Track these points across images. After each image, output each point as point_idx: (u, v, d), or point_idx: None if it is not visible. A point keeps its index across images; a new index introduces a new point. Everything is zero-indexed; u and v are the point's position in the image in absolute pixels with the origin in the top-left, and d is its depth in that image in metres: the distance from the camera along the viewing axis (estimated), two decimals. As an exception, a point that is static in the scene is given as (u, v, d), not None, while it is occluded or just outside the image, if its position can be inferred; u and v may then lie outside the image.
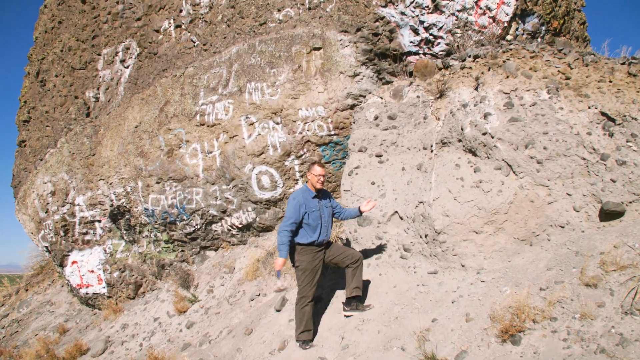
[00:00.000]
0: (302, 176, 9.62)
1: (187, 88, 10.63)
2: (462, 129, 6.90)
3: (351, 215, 7.08)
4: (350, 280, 6.70)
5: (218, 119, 9.99)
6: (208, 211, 10.30)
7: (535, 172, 6.37)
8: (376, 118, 8.13)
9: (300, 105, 9.30)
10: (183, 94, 10.64)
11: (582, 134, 6.31)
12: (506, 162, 6.50)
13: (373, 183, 7.79)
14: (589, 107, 6.51)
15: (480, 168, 6.63)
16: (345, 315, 6.71)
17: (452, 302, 6.00)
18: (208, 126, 10.13)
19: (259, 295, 8.32)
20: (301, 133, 9.35)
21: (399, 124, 7.98)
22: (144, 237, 11.37)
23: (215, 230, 10.57)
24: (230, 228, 10.37)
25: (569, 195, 6.23)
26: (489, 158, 6.62)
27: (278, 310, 7.54)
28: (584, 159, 6.19)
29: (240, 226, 10.21)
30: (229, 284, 9.08)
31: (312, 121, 9.28)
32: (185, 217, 10.48)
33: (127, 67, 12.35)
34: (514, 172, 6.48)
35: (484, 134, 6.65)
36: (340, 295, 7.20)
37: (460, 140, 6.95)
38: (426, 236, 6.79)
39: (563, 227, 6.18)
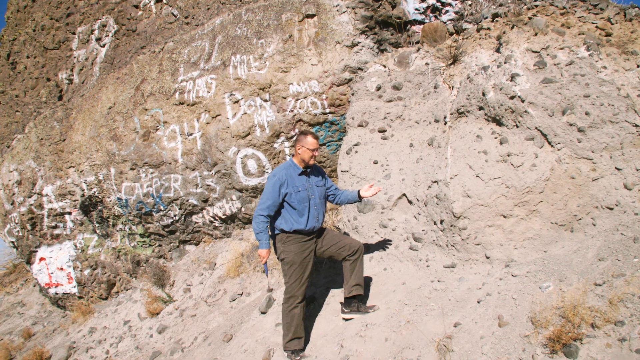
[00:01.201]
0: (293, 160, 8.28)
1: (165, 64, 9.30)
2: (483, 94, 5.59)
3: (348, 199, 5.71)
4: (348, 276, 5.37)
5: (199, 96, 8.68)
6: (188, 200, 8.95)
7: (575, 143, 5.07)
8: (379, 88, 6.82)
9: (291, 80, 8.01)
10: (161, 70, 9.31)
11: (632, 96, 5.03)
12: (540, 130, 5.19)
13: (376, 162, 6.47)
14: (638, 66, 5.23)
15: (507, 139, 5.32)
16: (344, 319, 5.38)
17: (478, 302, 4.69)
18: (188, 105, 8.81)
19: (241, 294, 6.98)
20: (292, 111, 8.05)
21: (405, 95, 6.67)
22: (117, 231, 10.01)
23: (196, 222, 9.22)
24: (212, 219, 9.02)
25: (618, 170, 4.94)
26: (517, 127, 5.31)
27: (263, 313, 6.20)
28: (636, 125, 4.91)
29: (223, 217, 8.87)
30: (208, 281, 7.72)
31: (305, 98, 8.00)
32: (162, 207, 9.13)
33: (104, 46, 11.01)
34: (549, 143, 5.17)
35: (512, 97, 5.34)
36: (338, 295, 5.87)
37: (481, 108, 5.64)
38: (442, 222, 5.47)
39: (612, 209, 4.88)
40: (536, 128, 5.21)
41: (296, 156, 5.31)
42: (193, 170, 8.85)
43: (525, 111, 5.25)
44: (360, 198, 5.62)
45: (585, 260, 4.55)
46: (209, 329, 6.60)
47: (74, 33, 11.47)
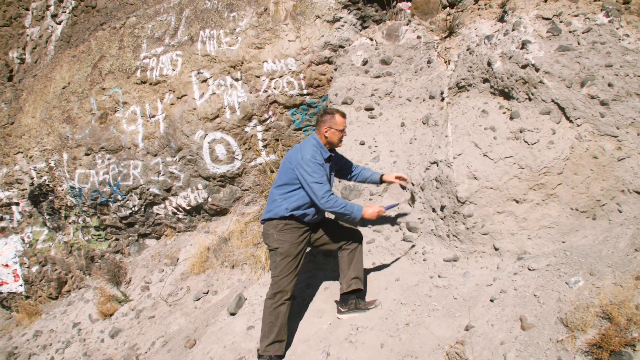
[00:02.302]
0: (265, 146, 7.37)
1: (127, 40, 8.26)
2: (489, 65, 4.79)
3: (367, 179, 4.92)
4: (346, 268, 4.51)
5: (163, 75, 7.67)
6: (148, 189, 7.91)
7: (597, 118, 4.30)
8: (365, 63, 5.96)
9: (265, 57, 7.10)
10: (122, 47, 8.26)
11: (661, 66, 4.29)
12: (557, 103, 4.41)
13: (362, 143, 5.59)
14: (663, 35, 4.51)
15: (519, 113, 4.52)
16: (339, 318, 4.50)
17: (492, 301, 3.86)
18: (151, 84, 7.78)
19: (207, 293, 6.00)
20: (266, 91, 7.13)
21: (395, 71, 5.83)
22: (70, 223, 8.88)
23: (158, 214, 8.18)
24: (175, 210, 8.00)
25: (647, 149, 4.19)
26: (530, 99, 4.51)
27: (232, 314, 5.25)
28: (667, 99, 4.17)
29: (188, 208, 7.86)
30: (169, 279, 6.71)
31: (281, 77, 7.09)
32: (120, 197, 8.06)
33: (60, 23, 9.88)
34: (567, 118, 4.39)
35: (524, 66, 4.54)
36: (321, 292, 4.98)
37: (485, 80, 4.84)
38: (442, 209, 4.62)
39: (640, 194, 4.13)
40: (552, 101, 4.42)
41: (322, 136, 4.44)
42: (155, 156, 7.83)
43: (540, 81, 4.45)
44: (381, 181, 4.87)
45: (617, 251, 3.76)
46: (169, 332, 5.61)
47: (27, 9, 10.29)
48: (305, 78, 7.01)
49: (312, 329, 4.51)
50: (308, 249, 4.68)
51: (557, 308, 3.47)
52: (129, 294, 6.97)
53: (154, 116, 7.78)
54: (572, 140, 4.30)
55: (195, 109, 7.42)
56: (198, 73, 7.43)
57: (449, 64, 5.46)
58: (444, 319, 3.90)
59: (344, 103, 5.93)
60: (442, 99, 5.20)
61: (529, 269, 3.99)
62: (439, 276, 4.42)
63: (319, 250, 4.95)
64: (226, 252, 6.30)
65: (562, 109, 4.39)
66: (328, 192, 4.16)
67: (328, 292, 4.95)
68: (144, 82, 7.83)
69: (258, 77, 7.16)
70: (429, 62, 5.63)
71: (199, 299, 5.94)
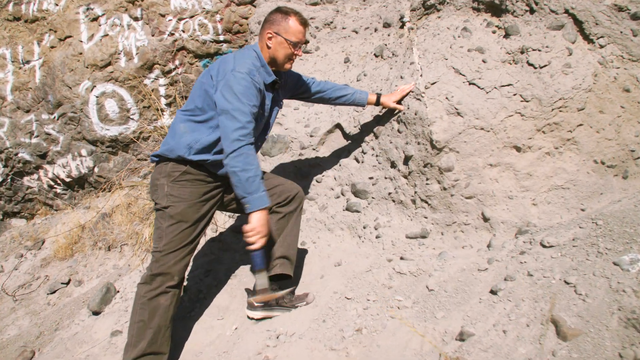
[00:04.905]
0: (169, 104, 5.51)
1: (-1, -32, 6.12)
2: (470, -29, 3.22)
3: (341, 96, 3.11)
4: (272, 242, 2.77)
5: (43, 10, 5.63)
6: (17, 154, 5.78)
7: (628, 37, 2.82)
8: (299, -13, 4.27)
9: (174, -9, 5.28)
10: (-8, -25, 6.11)
11: None
12: (572, 15, 2.88)
13: (293, 83, 3.87)
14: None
15: (517, 28, 2.96)
16: (252, 318, 2.72)
17: (494, 293, 2.23)
18: (27, 21, 5.71)
19: (67, 283, 4.03)
20: (173, 35, 5.30)
21: (338, -2, 4.17)
22: None
23: (30, 187, 6.03)
24: (52, 183, 5.91)
25: (694, 82, 2.76)
26: (532, 11, 2.97)
27: (96, 313, 3.36)
28: None
29: (68, 180, 5.81)
30: (25, 265, 4.63)
31: (192, 17, 5.31)
32: (-23, 164, 5.87)
33: None
34: (585, 37, 2.88)
35: (525, -34, 3.00)
36: (227, 282, 3.17)
37: (465, -7, 3.26)
38: (407, 161, 2.98)
39: (689, 143, 2.66)
40: (566, 11, 2.88)
41: (262, 50, 2.66)
42: (27, 112, 5.74)
43: (549, -15, 2.92)
44: (378, 103, 3.12)
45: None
46: (2, 339, 3.58)
47: None
48: (222, 21, 5.26)
49: (209, 337, 2.72)
50: (216, 216, 2.90)
51: (612, 302, 1.90)
52: (-30, 286, 4.81)
53: (28, 62, 5.70)
54: (595, 65, 2.78)
55: (81, 53, 5.44)
56: (87, 9, 5.47)
57: (409, -13, 3.87)
58: (418, 321, 2.23)
59: (270, 34, 4.19)
60: (403, 25, 3.58)
61: (544, 246, 2.41)
62: (402, 258, 2.75)
63: (232, 213, 3.12)
64: (103, 230, 4.35)
65: (579, 22, 2.87)
66: (244, 140, 2.39)
67: (237, 281, 3.17)
68: (18, 19, 5.74)
69: (163, 16, 5.33)
70: (381, -12, 4.02)
71: (54, 292, 3.95)
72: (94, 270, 4.03)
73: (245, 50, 2.66)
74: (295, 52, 2.66)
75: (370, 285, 2.62)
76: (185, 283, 3.23)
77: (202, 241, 3.63)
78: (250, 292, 2.78)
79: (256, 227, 2.38)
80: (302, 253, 3.14)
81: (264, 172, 2.87)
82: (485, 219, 2.76)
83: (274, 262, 2.73)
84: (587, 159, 2.73)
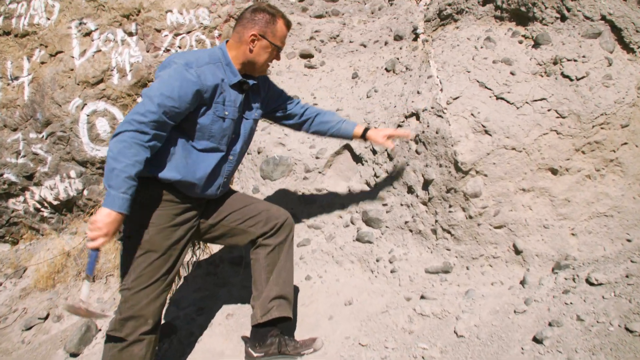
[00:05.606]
0: (166, 123, 5.14)
1: (-10, -19, 5.84)
2: (492, -23, 2.91)
3: (328, 128, 2.68)
4: (263, 279, 2.42)
5: (34, 24, 5.33)
6: (2, 175, 5.41)
7: (674, 48, 2.48)
8: (303, -1, 3.95)
9: (170, 5, 5.02)
10: (-18, -11, 5.82)
11: None
12: (610, 22, 2.55)
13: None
14: None
15: (548, 37, 2.62)
16: None
17: (538, 341, 1.84)
18: (17, 36, 5.40)
19: (46, 318, 3.60)
20: (169, 51, 5.01)
21: (345, 10, 3.86)
22: None
23: (15, 210, 5.63)
24: (39, 206, 5.52)
25: None
26: (564, 18, 2.64)
27: (74, 355, 2.93)
28: None
29: (55, 203, 5.43)
30: (4, 296, 4.19)
31: (189, 33, 5.02)
32: (-40, 185, 5.49)
33: None
34: (625, 46, 2.55)
35: (555, -30, 2.68)
36: (221, 321, 2.78)
37: (487, 1, 2.93)
38: (426, 185, 2.61)
39: None
40: (602, 18, 2.55)
41: (238, 51, 2.30)
42: (14, 130, 5.38)
43: (583, -10, 2.60)
44: (364, 137, 2.63)
45: None
46: (-32, 382, 3.16)
47: None
48: (220, 37, 4.96)
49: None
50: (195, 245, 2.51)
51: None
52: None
53: (17, 78, 5.37)
54: (637, 77, 2.44)
55: (72, 70, 5.13)
56: (80, 23, 5.17)
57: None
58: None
59: (272, 47, 3.87)
60: (416, 37, 3.25)
61: (591, 283, 2.03)
62: (423, 297, 2.37)
63: (216, 243, 2.72)
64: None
65: (617, 30, 2.54)
66: (133, 125, 1.99)
67: (233, 321, 2.77)
68: (8, 33, 5.43)
69: (159, 31, 5.03)
70: None
71: (30, 328, 3.52)
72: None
73: (210, 49, 2.34)
74: (277, 55, 2.40)
75: (388, 329, 2.22)
76: (170, 322, 2.83)
77: (196, 275, 3.23)
78: (248, 341, 2.38)
79: (98, 223, 1.98)
80: (307, 289, 2.74)
81: (235, 192, 2.50)
82: (518, 252, 2.38)
83: (270, 303, 2.33)
84: (632, 182, 2.37)
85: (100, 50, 5.10)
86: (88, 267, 2.12)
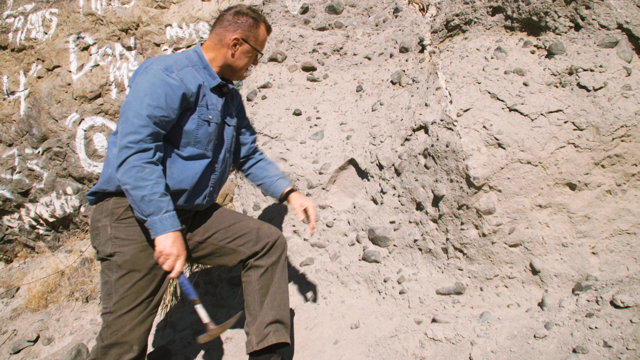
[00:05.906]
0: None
1: (-12, -4, 5.76)
2: (501, -14, 2.79)
3: (261, 181, 2.54)
4: (256, 304, 2.26)
5: (31, 38, 5.23)
6: (-4, 192, 5.27)
7: (694, 57, 2.36)
8: (305, 11, 3.84)
9: (169, 20, 4.92)
10: (-20, 4, 5.74)
11: None
12: (627, 31, 2.43)
13: (298, 113, 3.38)
14: None
15: (562, 47, 2.49)
16: None
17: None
18: (14, 50, 5.31)
19: (35, 340, 3.43)
20: (168, 65, 4.82)
21: (348, 23, 3.75)
22: None
23: (10, 227, 5.48)
24: (35, 223, 5.37)
25: None
26: (579, 27, 2.51)
27: (64, 379, 2.75)
28: None
29: (52, 220, 5.27)
30: (-6, 317, 4.02)
31: (189, 47, 4.88)
32: (-47, 202, 5.35)
33: None
34: (644, 56, 2.42)
35: (568, -23, 2.57)
36: (219, 345, 2.60)
37: (497, 10, 2.82)
38: (437, 202, 2.46)
39: None
40: (619, 26, 2.43)
41: (218, 53, 2.18)
42: (10, 146, 5.26)
43: (597, -2, 2.48)
44: (282, 199, 2.50)
45: None
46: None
47: None
48: (221, 50, 4.82)
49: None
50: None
51: None
52: None
53: (13, 93, 5.26)
54: (658, 88, 2.31)
55: (70, 84, 5.02)
56: (78, 38, 5.08)
57: (427, 9, 3.45)
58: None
59: (273, 59, 3.75)
60: (423, 49, 3.13)
61: (617, 306, 1.87)
62: (434, 320, 2.21)
63: (204, 263, 2.56)
64: (82, 279, 3.78)
65: (635, 39, 2.41)
66: (133, 147, 1.86)
67: (232, 345, 2.60)
68: (5, 48, 5.34)
69: (158, 45, 4.93)
70: (395, 11, 3.60)
71: (18, 352, 3.34)
72: (68, 326, 3.43)
73: (184, 52, 2.21)
74: (256, 60, 2.27)
75: (399, 355, 2.06)
76: (164, 347, 2.66)
77: (165, 288, 3.07)
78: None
79: (165, 251, 1.86)
80: (311, 311, 2.58)
81: (222, 207, 2.36)
82: (535, 272, 2.23)
83: (265, 329, 2.17)
84: (657, 198, 2.23)
85: (98, 65, 5.00)
86: (188, 293, 2.02)
